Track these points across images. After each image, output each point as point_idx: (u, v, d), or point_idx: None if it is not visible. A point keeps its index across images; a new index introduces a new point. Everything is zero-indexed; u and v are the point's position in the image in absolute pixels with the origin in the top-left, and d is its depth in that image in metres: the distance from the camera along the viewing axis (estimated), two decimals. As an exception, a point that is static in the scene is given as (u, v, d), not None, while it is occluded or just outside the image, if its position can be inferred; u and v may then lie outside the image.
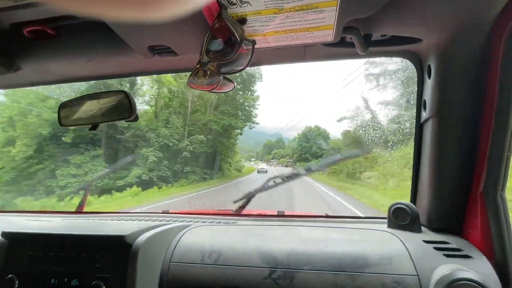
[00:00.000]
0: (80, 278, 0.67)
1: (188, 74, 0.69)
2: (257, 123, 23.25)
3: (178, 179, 15.86)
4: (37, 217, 1.15)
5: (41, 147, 13.01)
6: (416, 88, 0.83)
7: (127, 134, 15.33)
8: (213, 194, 11.20)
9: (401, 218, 0.83)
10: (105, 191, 12.35)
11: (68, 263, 0.69)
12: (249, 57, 0.59)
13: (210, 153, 18.96)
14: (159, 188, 14.15)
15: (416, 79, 0.82)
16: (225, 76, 0.64)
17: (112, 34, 0.58)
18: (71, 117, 0.86)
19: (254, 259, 0.70)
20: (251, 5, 0.49)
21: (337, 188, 13.15)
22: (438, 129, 0.72)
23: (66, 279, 0.67)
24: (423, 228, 0.81)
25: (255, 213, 1.16)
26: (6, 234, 0.72)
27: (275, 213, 1.29)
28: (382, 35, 0.69)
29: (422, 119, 0.80)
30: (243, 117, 21.62)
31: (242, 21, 0.52)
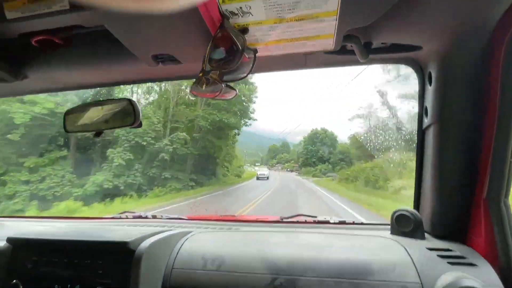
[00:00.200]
0: (83, 284, 0.69)
1: (190, 80, 0.71)
2: (254, 119, 20.60)
3: (156, 187, 13.21)
4: (41, 222, 1.17)
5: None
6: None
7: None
8: (186, 208, 8.86)
9: (404, 225, 0.83)
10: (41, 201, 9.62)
11: (71, 268, 0.71)
12: (251, 65, 0.60)
13: (201, 156, 16.52)
14: (125, 197, 11.28)
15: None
16: (227, 84, 0.65)
17: (117, 43, 0.60)
18: (76, 123, 0.88)
19: (256, 266, 0.71)
20: (252, 15, 0.51)
21: (354, 200, 10.04)
22: (440, 136, 0.73)
23: (69, 284, 0.69)
24: (426, 235, 0.81)
25: (257, 219, 1.16)
26: (11, 240, 0.74)
27: (277, 219, 1.29)
28: (382, 43, 0.70)
29: (424, 125, 0.80)
30: (238, 112, 18.45)
31: (244, 30, 0.54)
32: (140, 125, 0.84)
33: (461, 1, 0.53)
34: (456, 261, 0.66)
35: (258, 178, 27.01)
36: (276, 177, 31.84)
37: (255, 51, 0.60)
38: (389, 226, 0.87)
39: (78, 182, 11.22)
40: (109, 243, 0.70)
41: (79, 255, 0.71)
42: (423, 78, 0.80)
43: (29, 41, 0.66)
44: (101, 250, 0.71)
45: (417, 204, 0.88)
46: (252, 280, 0.68)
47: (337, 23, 0.53)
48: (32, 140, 10.58)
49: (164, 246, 0.78)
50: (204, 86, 0.63)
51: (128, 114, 0.81)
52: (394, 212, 0.85)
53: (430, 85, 0.75)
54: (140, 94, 16.75)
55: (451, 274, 0.61)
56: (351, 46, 0.66)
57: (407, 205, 0.87)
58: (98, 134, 0.83)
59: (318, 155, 44.46)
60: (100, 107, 0.85)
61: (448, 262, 0.66)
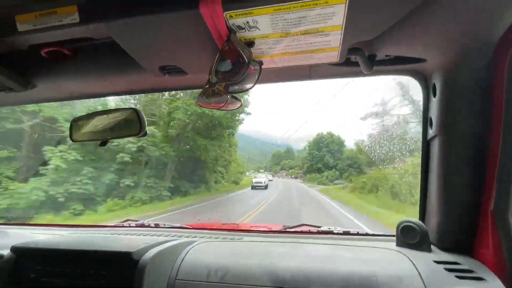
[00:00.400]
0: None
1: (195, 90, 0.73)
2: (248, 113, 18.83)
3: (112, 198, 10.53)
4: (44, 230, 1.19)
5: None
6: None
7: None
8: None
9: (410, 237, 0.82)
10: None
11: (74, 278, 0.72)
12: (256, 77, 0.62)
13: (186, 159, 14.37)
14: (70, 212, 8.98)
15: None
16: (233, 95, 0.67)
17: (125, 55, 0.62)
18: (82, 131, 0.91)
19: (260, 278, 0.71)
20: (259, 30, 0.52)
21: (385, 223, 7.79)
22: (445, 147, 0.74)
23: None
24: (432, 247, 0.80)
25: (261, 229, 1.17)
26: (15, 249, 0.75)
27: (281, 227, 1.29)
28: (386, 55, 0.72)
29: (429, 136, 0.81)
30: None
31: (250, 44, 0.56)
32: (145, 134, 0.86)
33: (465, 16, 0.54)
34: (464, 275, 0.66)
35: (253, 187, 21.82)
36: (277, 185, 29.20)
37: (261, 63, 0.61)
38: (394, 238, 0.87)
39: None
40: (112, 253, 0.71)
41: (82, 265, 0.72)
42: (427, 90, 0.81)
43: (38, 52, 0.69)
44: (105, 260, 0.72)
45: (422, 216, 0.87)
46: None
47: (342, 37, 0.54)
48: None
49: (168, 256, 0.78)
50: (209, 97, 0.65)
51: (133, 123, 0.83)
52: (400, 223, 0.85)
53: (435, 96, 0.76)
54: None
55: None
56: (355, 58, 0.68)
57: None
58: (103, 143, 0.85)
59: (324, 161, 42.92)
60: (105, 116, 0.88)
61: (456, 276, 0.66)
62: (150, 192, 11.93)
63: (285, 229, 1.21)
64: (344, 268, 0.71)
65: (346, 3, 0.45)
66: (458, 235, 0.76)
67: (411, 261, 0.73)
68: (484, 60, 0.64)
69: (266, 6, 0.46)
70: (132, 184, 11.19)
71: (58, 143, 9.85)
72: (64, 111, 10.44)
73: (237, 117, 17.97)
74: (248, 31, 0.53)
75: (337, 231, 1.06)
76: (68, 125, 0.95)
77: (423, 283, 0.65)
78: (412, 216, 0.90)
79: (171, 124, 14.11)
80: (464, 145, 0.71)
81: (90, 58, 0.71)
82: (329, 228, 1.13)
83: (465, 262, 0.70)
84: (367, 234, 1.03)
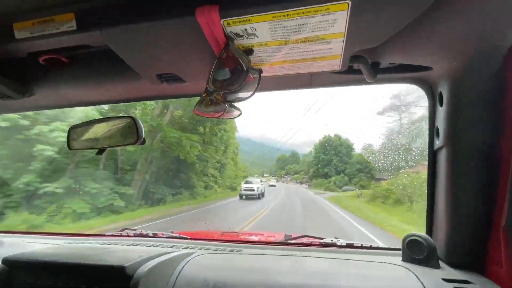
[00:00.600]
0: None
1: (194, 98, 0.72)
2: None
3: (32, 208, 7.26)
4: (38, 239, 1.19)
5: None
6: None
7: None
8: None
9: (416, 251, 0.79)
10: None
11: None
12: (256, 85, 0.61)
13: (164, 158, 12.05)
14: None
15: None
16: (231, 103, 0.66)
17: (122, 62, 0.62)
18: (80, 139, 0.91)
19: None
20: (257, 37, 0.51)
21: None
22: (453, 158, 0.72)
23: None
24: (440, 263, 0.77)
25: (261, 240, 1.14)
26: (6, 261, 0.75)
27: (282, 236, 1.26)
28: (390, 63, 0.70)
29: (436, 147, 0.79)
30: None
31: (249, 51, 0.55)
32: (143, 143, 0.85)
33: (474, 24, 0.53)
34: None
35: (242, 196, 16.50)
36: (279, 191, 25.49)
37: (260, 71, 0.60)
38: (400, 252, 0.84)
39: None
40: (106, 267, 0.70)
41: (75, 279, 0.71)
42: (433, 98, 0.80)
43: (36, 60, 0.69)
44: (98, 274, 0.71)
45: (429, 229, 0.85)
46: None
47: (344, 45, 0.53)
48: None
49: (164, 271, 0.76)
50: (208, 106, 0.64)
51: (131, 131, 0.82)
52: (406, 237, 0.82)
53: (441, 105, 0.74)
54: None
55: None
56: (358, 66, 0.66)
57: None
58: (100, 151, 0.84)
59: (332, 165, 41.36)
60: (103, 124, 0.88)
61: None
62: (97, 200, 8.64)
63: (287, 240, 1.19)
64: (347, 285, 0.69)
65: (348, 10, 0.44)
66: (468, 251, 0.73)
67: (418, 278, 0.70)
68: (493, 68, 0.62)
69: (265, 13, 0.45)
70: (56, 190, 7.57)
71: None
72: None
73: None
74: (247, 38, 0.52)
75: (340, 243, 1.04)
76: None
77: None
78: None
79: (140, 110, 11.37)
80: (473, 156, 0.69)
81: (88, 65, 0.72)
82: (332, 240, 1.10)
83: (476, 281, 0.67)
84: (371, 247, 1.00)
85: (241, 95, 0.63)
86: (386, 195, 12.17)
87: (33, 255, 0.78)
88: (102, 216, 8.94)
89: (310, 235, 1.29)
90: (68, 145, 0.89)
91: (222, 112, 0.66)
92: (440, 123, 0.75)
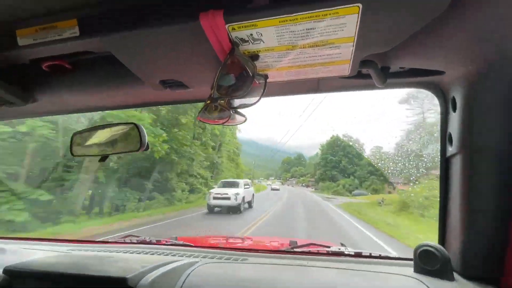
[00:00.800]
0: None
1: (197, 104, 0.71)
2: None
3: None
4: (40, 246, 1.19)
5: None
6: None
7: None
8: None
9: (429, 263, 0.77)
10: None
11: None
12: (261, 91, 0.59)
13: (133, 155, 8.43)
14: None
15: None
16: (236, 110, 0.65)
17: (125, 68, 0.62)
18: (83, 145, 0.91)
19: None
20: (264, 42, 0.50)
21: None
22: (468, 165, 0.69)
23: None
24: (455, 275, 0.75)
25: (266, 247, 1.12)
26: (6, 271, 0.75)
27: (287, 242, 1.24)
28: (400, 67, 0.69)
29: (448, 154, 0.77)
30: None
31: (254, 57, 0.54)
32: (147, 149, 0.85)
33: (491, 26, 0.51)
34: None
35: (212, 208, 11.24)
36: (281, 196, 21.39)
37: (266, 76, 0.59)
38: (411, 262, 0.82)
39: None
40: (107, 279, 0.69)
41: None
42: (446, 104, 0.77)
43: (39, 66, 0.69)
44: (100, 285, 0.70)
45: (442, 239, 0.82)
46: None
47: (353, 50, 0.51)
48: None
49: (167, 282, 0.75)
50: (212, 112, 0.63)
51: (134, 137, 0.82)
52: (418, 247, 0.80)
53: (454, 111, 0.72)
54: None
55: None
56: (367, 71, 0.65)
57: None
58: (103, 158, 0.84)
59: (340, 167, 39.60)
60: (106, 130, 0.88)
61: None
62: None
63: (292, 247, 1.16)
64: None
65: (359, 14, 0.42)
66: (484, 263, 0.70)
67: None
68: (511, 71, 0.60)
69: (271, 18, 0.44)
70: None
71: None
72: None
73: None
74: (252, 43, 0.51)
75: (348, 252, 1.02)
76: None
77: None
78: None
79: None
80: (489, 164, 0.66)
81: (91, 71, 0.72)
82: (340, 249, 1.08)
83: None
84: (381, 257, 0.97)
85: (246, 101, 0.62)
86: (424, 204, 8.81)
87: (34, 264, 0.78)
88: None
89: (316, 242, 1.26)
90: (71, 152, 0.90)
91: (227, 119, 0.65)
92: (454, 129, 0.73)
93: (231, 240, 1.61)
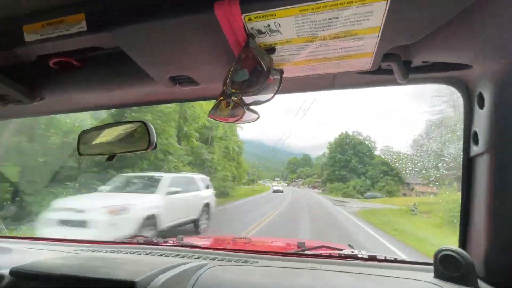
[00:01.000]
0: None
1: (207, 101, 0.69)
2: None
3: None
4: (47, 246, 1.19)
5: None
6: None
7: None
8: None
9: (451, 268, 0.73)
10: None
11: None
12: (276, 87, 0.57)
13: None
14: None
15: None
16: (249, 107, 0.63)
17: (134, 65, 0.61)
18: (90, 144, 0.90)
19: None
20: (281, 34, 0.48)
21: None
22: (495, 166, 0.66)
23: None
24: (479, 282, 0.71)
25: (275, 249, 1.10)
26: (13, 272, 0.74)
27: (295, 243, 1.22)
28: (423, 61, 0.65)
29: (473, 153, 0.74)
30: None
31: (271, 50, 0.51)
32: (155, 148, 0.83)
33: None
34: None
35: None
36: (282, 200, 18.74)
37: (281, 71, 0.57)
38: (431, 267, 0.78)
39: None
40: (115, 282, 0.68)
41: None
42: (471, 100, 0.74)
43: (47, 63, 0.68)
44: None
45: (463, 243, 0.79)
46: None
47: (378, 41, 0.48)
48: None
49: (176, 285, 0.74)
50: (223, 109, 0.61)
51: (142, 136, 0.81)
52: (438, 252, 0.76)
53: (481, 108, 0.68)
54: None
55: None
56: (388, 65, 0.62)
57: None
58: (111, 157, 0.83)
59: (350, 166, 36.91)
60: (114, 128, 0.87)
61: None
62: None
63: (303, 250, 1.14)
64: None
65: (388, 1, 0.39)
66: (510, 269, 0.67)
67: None
68: None
69: (291, 6, 0.42)
70: None
71: None
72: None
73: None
74: (269, 35, 0.48)
75: (361, 256, 0.98)
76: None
77: None
78: None
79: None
80: None
81: (99, 68, 0.70)
82: (353, 252, 1.04)
83: None
84: (397, 261, 0.93)
85: (260, 97, 0.60)
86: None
87: (41, 265, 0.77)
88: None
89: (328, 245, 1.23)
90: (78, 151, 0.89)
91: (239, 116, 0.63)
92: (480, 127, 0.69)
93: (238, 241, 1.59)
